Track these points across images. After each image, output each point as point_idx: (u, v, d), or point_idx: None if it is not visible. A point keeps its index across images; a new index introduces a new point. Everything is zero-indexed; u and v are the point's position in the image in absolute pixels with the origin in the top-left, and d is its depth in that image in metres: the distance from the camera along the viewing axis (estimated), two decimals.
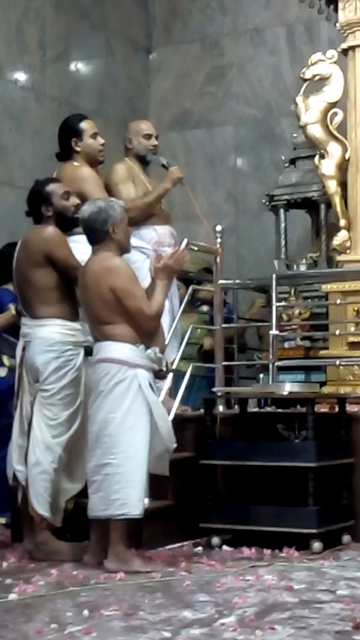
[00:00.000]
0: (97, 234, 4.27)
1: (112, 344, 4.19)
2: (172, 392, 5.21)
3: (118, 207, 4.33)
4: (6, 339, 5.34)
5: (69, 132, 5.11)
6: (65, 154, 5.10)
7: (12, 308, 5.26)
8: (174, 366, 5.15)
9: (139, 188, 5.42)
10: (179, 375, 5.35)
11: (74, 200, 4.59)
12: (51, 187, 4.58)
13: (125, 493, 4.10)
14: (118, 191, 5.31)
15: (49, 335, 4.45)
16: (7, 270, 5.48)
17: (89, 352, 4.41)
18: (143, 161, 5.53)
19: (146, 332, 4.25)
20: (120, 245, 4.31)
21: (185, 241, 5.36)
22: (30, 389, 4.51)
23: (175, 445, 4.33)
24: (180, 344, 5.41)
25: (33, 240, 4.53)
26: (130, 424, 4.14)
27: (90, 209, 4.30)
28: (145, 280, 4.40)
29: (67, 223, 4.56)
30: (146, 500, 4.21)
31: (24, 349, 4.53)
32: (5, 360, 5.37)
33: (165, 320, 5.00)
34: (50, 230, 4.50)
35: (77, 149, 5.05)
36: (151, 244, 5.31)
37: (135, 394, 4.16)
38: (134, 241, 5.46)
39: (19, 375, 4.60)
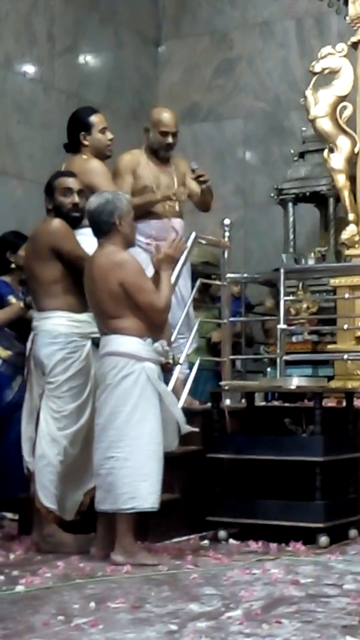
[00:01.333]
0: (104, 226, 4.27)
1: (120, 338, 4.19)
2: (183, 383, 5.21)
3: (125, 199, 4.33)
4: (4, 331, 5.32)
5: (78, 125, 5.08)
6: (74, 146, 5.09)
7: (12, 300, 5.26)
8: (181, 360, 5.13)
9: (140, 180, 5.32)
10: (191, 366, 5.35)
11: (74, 198, 4.56)
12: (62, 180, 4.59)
13: (134, 487, 4.10)
14: (115, 182, 5.26)
15: (53, 328, 4.45)
16: (4, 260, 5.45)
17: (96, 343, 4.40)
18: (156, 154, 5.45)
19: (157, 325, 4.25)
20: (126, 238, 4.30)
21: (193, 234, 5.35)
22: (39, 381, 4.51)
23: (188, 429, 4.33)
24: (190, 337, 5.38)
25: (40, 234, 4.53)
26: (138, 418, 4.14)
27: (98, 201, 4.30)
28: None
29: (75, 220, 4.56)
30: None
31: (32, 342, 4.54)
32: (0, 351, 5.34)
33: (175, 315, 5.01)
34: (56, 222, 4.49)
35: (85, 142, 5.02)
36: (145, 238, 5.27)
37: (143, 387, 4.15)
38: None
39: (27, 368, 4.61)
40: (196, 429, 4.42)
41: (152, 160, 5.37)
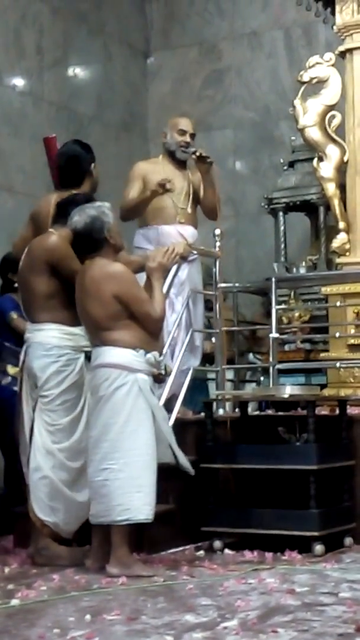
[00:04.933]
0: (95, 244, 4.24)
1: (112, 349, 4.19)
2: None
3: (107, 210, 4.28)
4: (9, 347, 5.37)
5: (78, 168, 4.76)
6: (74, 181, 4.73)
7: (14, 315, 5.30)
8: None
9: (150, 184, 5.37)
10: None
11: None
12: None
13: (127, 498, 4.10)
14: (124, 186, 5.38)
15: (46, 340, 4.45)
16: (8, 279, 5.55)
17: (89, 357, 4.40)
18: (173, 157, 5.50)
19: (153, 334, 4.25)
20: (115, 247, 4.30)
21: (172, 243, 5.35)
22: (31, 394, 4.51)
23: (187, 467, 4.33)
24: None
25: (37, 249, 4.51)
26: (131, 429, 4.13)
27: (83, 220, 4.23)
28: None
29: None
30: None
31: (25, 354, 4.54)
32: (10, 369, 5.41)
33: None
34: (54, 239, 4.47)
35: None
36: (153, 245, 5.31)
37: (136, 398, 4.15)
38: (138, 242, 5.48)
39: (20, 380, 4.60)
40: (192, 471, 4.43)
41: (169, 164, 5.47)
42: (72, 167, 4.70)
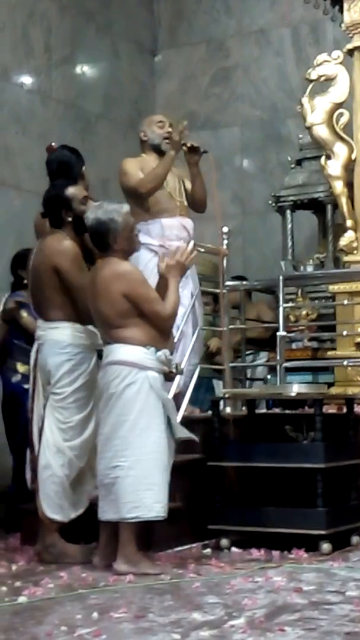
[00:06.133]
0: (101, 244, 4.28)
1: (123, 347, 4.20)
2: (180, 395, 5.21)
3: (119, 215, 4.24)
4: (19, 345, 5.39)
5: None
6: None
7: (24, 314, 5.32)
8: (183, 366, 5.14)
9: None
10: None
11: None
12: (71, 192, 4.57)
13: (138, 496, 4.10)
14: (127, 180, 5.30)
15: (61, 338, 4.45)
16: (20, 276, 5.58)
17: (101, 355, 4.41)
18: (158, 151, 5.48)
19: (163, 332, 4.26)
20: (124, 250, 4.29)
21: (192, 242, 5.36)
22: (43, 392, 4.52)
23: (185, 435, 4.32)
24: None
25: (47, 248, 4.51)
26: (142, 427, 4.14)
27: (91, 222, 4.26)
28: (150, 279, 4.40)
29: (84, 228, 4.55)
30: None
31: (37, 351, 4.54)
32: (19, 366, 5.43)
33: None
34: (67, 244, 4.46)
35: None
36: (158, 239, 5.29)
37: (147, 396, 4.16)
38: (141, 238, 5.47)
39: (33, 377, 4.61)
40: (194, 437, 4.41)
41: (156, 160, 5.42)
42: (63, 172, 4.75)
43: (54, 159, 4.88)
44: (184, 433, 4.26)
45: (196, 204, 5.57)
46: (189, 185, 5.53)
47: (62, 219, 4.53)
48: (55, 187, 4.61)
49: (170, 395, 4.65)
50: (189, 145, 5.43)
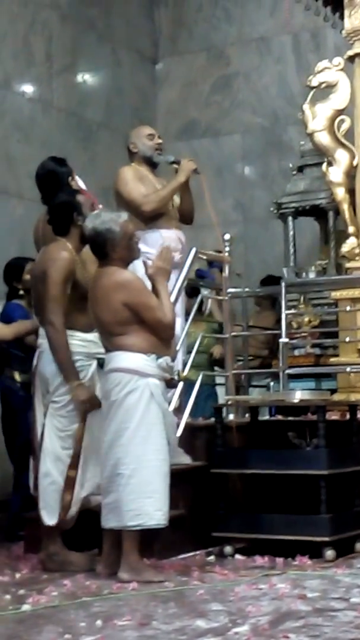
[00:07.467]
0: (100, 253, 4.28)
1: (124, 354, 4.20)
2: (182, 403, 5.20)
3: (116, 225, 4.23)
4: (16, 354, 5.39)
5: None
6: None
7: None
8: (185, 373, 5.14)
9: (148, 189, 5.37)
10: (187, 385, 5.34)
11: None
12: (80, 198, 4.56)
13: (139, 504, 4.10)
14: (129, 191, 5.27)
15: None
16: (13, 286, 5.59)
17: (102, 364, 4.40)
18: (150, 163, 5.46)
19: (165, 339, 4.26)
20: (123, 259, 4.29)
21: (194, 250, 5.36)
22: (43, 399, 4.52)
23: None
24: (189, 353, 5.40)
25: (47, 255, 4.50)
26: (142, 435, 4.14)
27: (89, 229, 4.26)
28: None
29: None
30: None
31: (37, 359, 4.54)
32: (17, 375, 5.42)
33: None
34: (63, 254, 4.42)
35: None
36: (156, 248, 5.28)
37: (147, 403, 4.16)
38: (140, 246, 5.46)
39: (33, 385, 4.61)
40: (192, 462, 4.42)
41: (149, 170, 5.43)
42: (50, 183, 4.76)
43: (40, 172, 4.90)
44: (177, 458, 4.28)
45: (185, 216, 5.59)
46: (177, 199, 5.52)
47: (68, 227, 4.52)
48: (63, 194, 4.59)
49: (171, 407, 4.64)
50: (179, 161, 5.43)
